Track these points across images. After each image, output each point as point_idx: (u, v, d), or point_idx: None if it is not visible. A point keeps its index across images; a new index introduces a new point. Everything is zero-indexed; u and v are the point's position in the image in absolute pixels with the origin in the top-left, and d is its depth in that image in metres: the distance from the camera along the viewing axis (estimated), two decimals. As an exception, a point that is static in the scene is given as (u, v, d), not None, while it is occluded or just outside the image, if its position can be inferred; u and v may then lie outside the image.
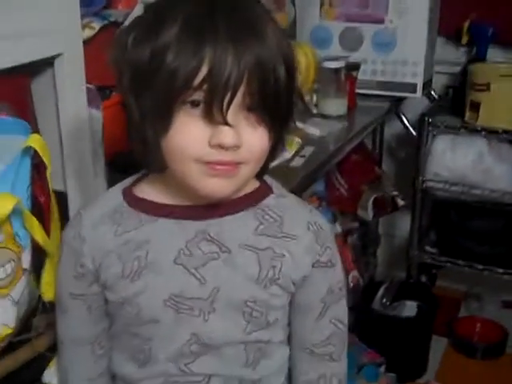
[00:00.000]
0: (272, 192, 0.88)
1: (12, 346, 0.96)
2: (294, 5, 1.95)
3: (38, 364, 0.98)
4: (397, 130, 2.49)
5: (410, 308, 2.27)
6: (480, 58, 2.33)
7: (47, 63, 1.20)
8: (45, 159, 0.89)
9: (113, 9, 1.46)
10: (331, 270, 0.89)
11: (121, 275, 0.84)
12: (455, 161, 2.16)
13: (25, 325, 0.97)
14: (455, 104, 2.24)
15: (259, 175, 0.86)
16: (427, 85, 2.17)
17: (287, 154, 1.58)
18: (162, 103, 0.74)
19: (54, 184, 1.06)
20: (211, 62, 0.71)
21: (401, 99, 2.18)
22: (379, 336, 2.20)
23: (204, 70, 0.71)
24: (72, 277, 0.88)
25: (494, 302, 2.60)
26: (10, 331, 0.90)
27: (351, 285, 2.20)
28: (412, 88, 2.06)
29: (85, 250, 0.86)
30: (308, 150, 1.63)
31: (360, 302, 2.26)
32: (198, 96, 0.73)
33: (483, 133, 2.10)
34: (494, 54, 2.34)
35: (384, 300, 2.26)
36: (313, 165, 1.56)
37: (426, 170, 2.21)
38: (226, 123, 0.73)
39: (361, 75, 2.03)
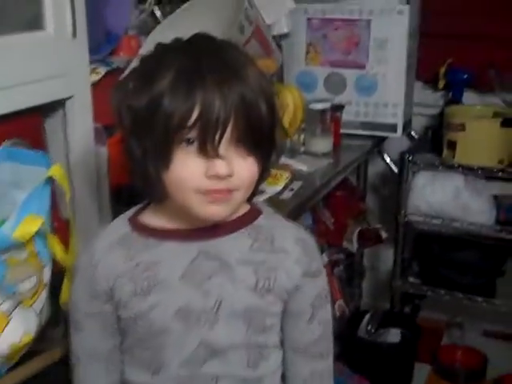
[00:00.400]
0: (261, 213, 1.01)
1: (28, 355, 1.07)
2: (281, 51, 2.10)
3: (53, 373, 1.09)
4: (380, 167, 2.64)
5: (394, 335, 2.38)
6: (456, 100, 2.50)
7: (59, 104, 1.33)
8: (64, 187, 1.01)
9: (116, 56, 1.61)
10: (319, 278, 1.02)
11: (133, 293, 0.95)
12: (434, 196, 2.30)
13: (41, 336, 1.08)
14: (434, 143, 2.40)
15: (249, 199, 0.99)
16: (407, 125, 2.32)
17: (277, 188, 1.72)
18: (161, 142, 0.87)
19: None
20: (202, 104, 0.84)
21: (383, 139, 2.32)
22: (365, 362, 2.31)
23: (196, 112, 0.84)
24: (86, 298, 0.99)
25: (475, 331, 2.72)
26: (30, 339, 1.01)
27: (337, 314, 2.31)
28: (392, 128, 2.20)
29: (97, 275, 0.97)
30: (296, 185, 1.77)
31: (346, 330, 2.37)
32: (192, 135, 0.85)
33: (460, 169, 2.25)
34: (469, 97, 2.50)
35: (369, 327, 2.37)
36: (301, 198, 1.69)
37: (408, 204, 2.34)
38: (219, 156, 0.86)
39: (345, 116, 2.17)
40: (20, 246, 0.96)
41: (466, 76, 2.46)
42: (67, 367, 1.06)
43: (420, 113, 2.58)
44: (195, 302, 0.95)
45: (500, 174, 2.22)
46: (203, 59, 0.87)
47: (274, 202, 1.64)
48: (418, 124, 2.60)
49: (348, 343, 2.40)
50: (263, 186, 1.68)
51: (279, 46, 2.17)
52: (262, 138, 0.89)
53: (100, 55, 1.51)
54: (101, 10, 1.56)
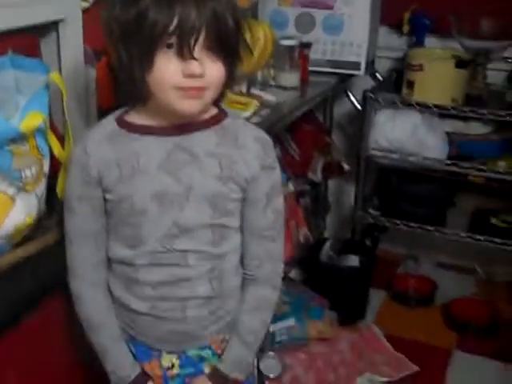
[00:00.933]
0: (227, 116, 1.18)
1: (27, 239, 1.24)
2: (256, -11, 2.25)
3: (47, 255, 1.25)
4: (345, 105, 2.81)
5: (352, 260, 2.59)
6: (419, 44, 2.66)
7: (53, 27, 1.48)
8: (63, 91, 1.17)
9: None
10: (273, 171, 1.19)
11: (119, 179, 1.12)
12: (394, 132, 2.48)
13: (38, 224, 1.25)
14: (397, 84, 2.56)
15: (218, 102, 1.16)
16: (370, 65, 2.49)
17: (247, 114, 1.88)
18: (146, 48, 1.03)
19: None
20: (180, 15, 1.00)
21: (348, 76, 2.48)
22: (325, 284, 2.52)
23: (175, 21, 1.00)
24: (80, 183, 1.15)
25: (430, 263, 2.95)
26: (31, 221, 1.18)
27: (302, 240, 2.49)
28: (356, 66, 2.37)
29: (90, 163, 1.13)
30: (264, 112, 1.93)
31: (309, 255, 2.57)
32: (172, 40, 1.02)
33: (417, 107, 2.43)
34: (431, 42, 2.67)
35: (330, 253, 2.58)
36: (267, 122, 1.86)
37: (369, 140, 2.53)
38: (193, 58, 1.02)
39: (313, 54, 2.33)
40: (24, 138, 1.12)
41: (428, 22, 2.62)
42: (59, 250, 1.23)
43: (385, 56, 2.74)
44: (169, 187, 1.12)
45: (453, 111, 2.40)
46: None
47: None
48: (384, 66, 2.76)
49: (310, 267, 2.62)
50: (234, 111, 1.86)
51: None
52: (229, 47, 1.06)
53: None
54: None
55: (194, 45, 1.02)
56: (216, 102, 1.16)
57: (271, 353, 2.25)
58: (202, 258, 1.16)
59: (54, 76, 1.17)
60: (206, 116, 1.16)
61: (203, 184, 1.13)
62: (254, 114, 1.90)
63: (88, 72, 1.54)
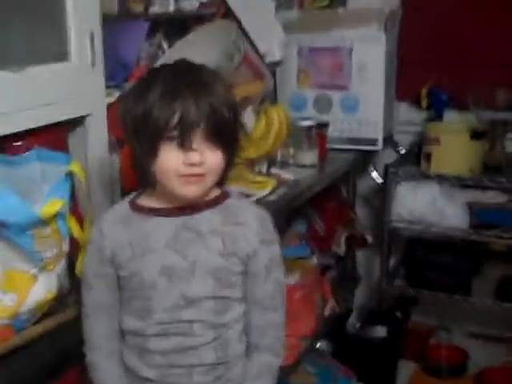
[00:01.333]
0: (230, 196, 1.30)
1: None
2: (274, 75, 2.41)
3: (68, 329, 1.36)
4: (369, 179, 2.91)
5: (379, 331, 2.62)
6: (438, 119, 2.77)
7: (80, 121, 1.64)
8: (81, 177, 1.31)
9: (128, 82, 1.91)
10: (272, 245, 1.30)
11: (131, 257, 1.25)
12: (415, 203, 2.56)
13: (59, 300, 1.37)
14: (418, 157, 2.66)
15: (220, 185, 1.28)
16: (388, 139, 2.60)
17: (265, 192, 2.00)
18: (152, 140, 1.17)
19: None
20: (181, 112, 1.14)
21: (367, 152, 2.59)
22: (353, 355, 2.56)
23: (176, 117, 1.14)
24: (95, 262, 1.28)
25: (462, 333, 2.95)
26: (52, 296, 1.30)
27: (328, 313, 2.55)
28: (373, 142, 2.49)
29: (105, 243, 1.26)
30: (282, 190, 2.05)
31: (336, 327, 2.62)
32: (174, 133, 1.15)
33: (435, 179, 2.52)
34: (450, 115, 2.76)
35: (357, 324, 2.62)
36: (283, 200, 1.97)
37: (392, 212, 2.61)
38: (193, 149, 1.15)
39: (331, 132, 2.46)
40: (45, 223, 1.26)
41: (445, 96, 2.73)
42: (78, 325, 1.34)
43: (407, 130, 2.85)
44: (176, 263, 1.24)
45: (470, 182, 2.48)
46: (182, 78, 1.18)
47: (261, 203, 1.92)
48: (406, 140, 2.87)
49: (338, 338, 2.66)
50: (253, 190, 1.99)
51: (273, 72, 2.48)
52: (226, 136, 1.18)
53: (115, 81, 1.81)
54: (116, 44, 1.86)
55: (194, 137, 1.14)
56: (219, 184, 1.28)
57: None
58: (206, 327, 1.25)
59: (74, 166, 1.31)
60: (210, 197, 1.28)
61: (207, 259, 1.24)
62: (272, 192, 2.01)
63: (112, 159, 1.69)
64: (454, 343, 2.87)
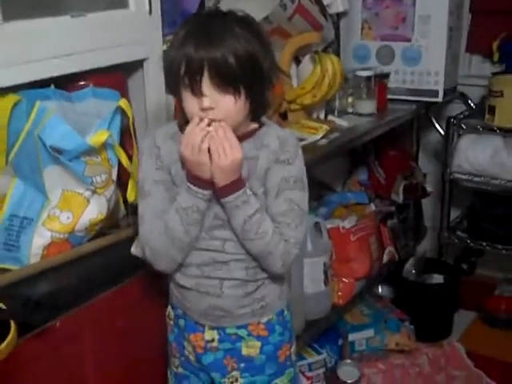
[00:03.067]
0: (263, 126, 1.39)
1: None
2: (337, 26, 2.48)
3: (121, 246, 1.54)
4: (433, 132, 2.94)
5: (436, 279, 2.69)
6: (509, 72, 2.74)
7: (139, 65, 1.81)
8: (128, 112, 1.48)
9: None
10: (288, 166, 1.36)
11: (181, 172, 1.36)
12: (476, 156, 2.59)
13: (111, 221, 1.55)
14: (484, 110, 2.67)
15: (257, 119, 1.38)
16: (451, 91, 2.63)
17: (317, 137, 2.10)
18: (175, 85, 1.29)
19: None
20: (185, 60, 1.24)
21: (429, 104, 2.62)
22: (409, 301, 2.64)
23: (183, 65, 1.24)
24: (154, 169, 1.39)
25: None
26: (103, 217, 1.48)
27: (386, 258, 2.64)
28: (434, 93, 2.53)
29: (161, 154, 1.38)
30: (333, 136, 2.15)
31: (395, 273, 2.71)
32: (186, 81, 1.26)
33: (498, 132, 2.53)
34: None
35: (413, 271, 2.70)
36: (333, 145, 2.07)
37: (453, 164, 2.65)
38: (202, 94, 1.26)
39: (393, 84, 2.52)
40: (96, 152, 1.43)
41: (516, 49, 2.71)
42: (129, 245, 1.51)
43: (478, 84, 2.85)
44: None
45: (534, 136, 2.48)
46: (198, 28, 1.27)
47: (312, 146, 2.03)
48: (478, 94, 2.86)
49: (396, 284, 2.75)
50: (305, 135, 2.09)
51: (337, 24, 2.56)
52: (236, 82, 1.26)
53: (175, 28, 1.96)
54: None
55: (200, 84, 1.25)
56: (256, 120, 1.39)
57: (349, 360, 2.41)
58: (238, 246, 1.38)
59: (122, 102, 1.48)
60: (247, 130, 1.38)
61: None
62: (323, 137, 2.11)
63: (168, 100, 1.85)
64: (516, 297, 2.89)
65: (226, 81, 1.26)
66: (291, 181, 1.38)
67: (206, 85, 1.26)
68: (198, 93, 1.26)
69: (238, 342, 1.47)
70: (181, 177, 1.37)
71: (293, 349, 1.57)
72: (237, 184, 1.32)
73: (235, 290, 1.42)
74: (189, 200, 1.34)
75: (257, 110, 1.37)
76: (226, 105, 1.28)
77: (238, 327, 1.46)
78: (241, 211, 1.33)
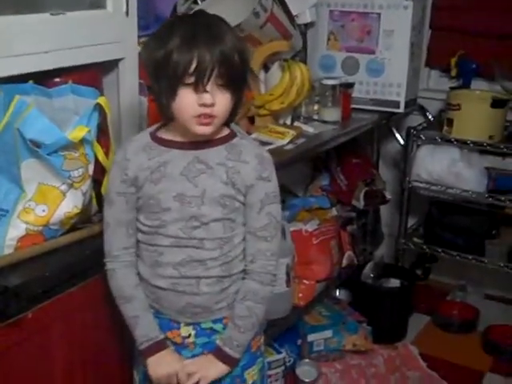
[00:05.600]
0: (236, 136, 1.46)
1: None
2: (304, 36, 2.56)
3: (94, 241, 1.58)
4: (393, 141, 3.05)
5: (393, 283, 2.79)
6: (465, 87, 2.87)
7: (114, 64, 1.84)
8: (106, 110, 1.52)
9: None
10: (268, 183, 1.44)
11: (150, 181, 1.42)
12: (434, 165, 2.70)
13: (85, 216, 1.58)
14: (443, 123, 2.78)
15: (228, 124, 1.45)
16: (412, 104, 2.73)
17: (284, 142, 2.17)
18: (171, 84, 1.34)
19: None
20: (197, 59, 1.29)
21: (390, 115, 2.72)
22: (367, 303, 2.73)
23: (194, 63, 1.30)
24: (119, 181, 1.45)
25: (477, 294, 3.08)
26: (78, 211, 1.52)
27: (346, 262, 2.72)
28: (396, 104, 2.63)
29: (129, 166, 1.43)
30: (300, 141, 2.22)
31: (353, 277, 2.79)
32: (191, 79, 1.31)
33: (455, 143, 2.64)
34: (477, 84, 2.87)
35: (371, 275, 2.79)
36: (299, 149, 2.14)
37: (412, 172, 2.75)
38: (206, 91, 1.32)
39: (357, 94, 2.61)
40: (74, 146, 1.47)
41: (474, 66, 2.83)
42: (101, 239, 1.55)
43: (436, 97, 2.97)
44: (188, 190, 1.41)
45: (489, 148, 2.59)
46: (198, 28, 1.33)
47: (279, 151, 2.10)
48: (436, 107, 2.98)
49: (354, 287, 2.84)
50: (272, 139, 2.15)
51: (304, 34, 2.64)
52: (236, 80, 1.34)
53: (148, 31, 2.00)
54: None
55: (208, 82, 1.31)
56: (227, 124, 1.46)
57: (308, 360, 2.47)
58: (215, 244, 1.43)
59: (101, 99, 1.52)
60: (219, 135, 1.44)
61: (214, 188, 1.41)
62: (290, 142, 2.18)
63: (141, 101, 1.89)
64: (467, 302, 3.00)
65: (232, 78, 1.32)
66: (271, 196, 1.45)
67: (212, 82, 1.31)
68: (201, 90, 1.31)
69: (213, 335, 1.52)
70: (146, 181, 1.43)
71: (262, 339, 1.63)
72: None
73: (212, 287, 1.46)
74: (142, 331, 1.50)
75: (234, 112, 1.43)
76: (224, 102, 1.35)
77: (214, 321, 1.51)
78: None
